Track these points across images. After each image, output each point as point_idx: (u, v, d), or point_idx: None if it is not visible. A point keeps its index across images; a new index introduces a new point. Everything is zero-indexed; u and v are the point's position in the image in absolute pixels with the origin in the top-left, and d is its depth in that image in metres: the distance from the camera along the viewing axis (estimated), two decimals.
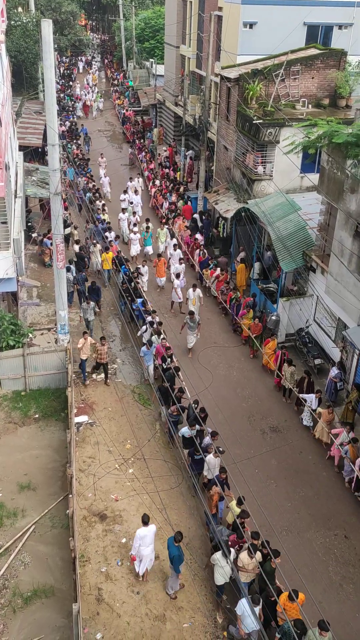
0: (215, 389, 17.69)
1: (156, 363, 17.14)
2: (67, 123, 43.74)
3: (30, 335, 17.19)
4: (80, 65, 70.14)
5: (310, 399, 15.76)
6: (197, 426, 14.05)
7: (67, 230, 24.36)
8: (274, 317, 19.17)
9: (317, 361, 17.93)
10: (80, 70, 68.67)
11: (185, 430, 14.14)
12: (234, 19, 24.87)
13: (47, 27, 14.08)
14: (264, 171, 22.72)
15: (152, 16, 51.55)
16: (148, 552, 11.59)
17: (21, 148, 26.96)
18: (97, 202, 28.35)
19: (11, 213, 17.23)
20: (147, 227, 25.49)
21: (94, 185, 30.70)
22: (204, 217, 27.17)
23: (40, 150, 31.80)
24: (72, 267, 21.42)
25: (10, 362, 16.19)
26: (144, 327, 18.31)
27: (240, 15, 24.35)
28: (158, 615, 11.12)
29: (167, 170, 34.31)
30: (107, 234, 24.33)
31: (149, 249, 25.63)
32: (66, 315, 17.45)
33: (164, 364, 16.62)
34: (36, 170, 27.74)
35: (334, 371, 16.53)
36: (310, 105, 23.76)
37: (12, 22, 37.23)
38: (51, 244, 22.37)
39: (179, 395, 15.18)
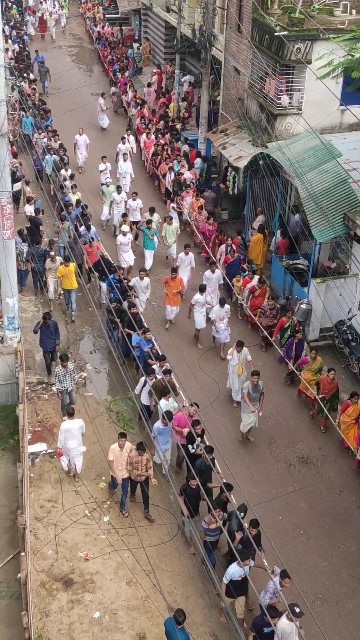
0: (222, 404, 17.71)
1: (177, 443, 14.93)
2: (16, 46, 41.20)
3: None
4: None
5: None
6: (251, 561, 12.02)
7: (17, 186, 24.29)
8: (303, 306, 19.19)
9: None
10: None
11: (235, 571, 11.90)
12: None
13: None
14: (289, 103, 22.69)
15: None
16: (75, 445, 14.64)
17: None
18: (62, 171, 25.51)
19: None
20: (149, 222, 21.95)
21: (61, 145, 27.77)
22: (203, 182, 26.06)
23: None
24: (25, 236, 21.34)
25: None
26: (142, 382, 16.06)
27: None
28: None
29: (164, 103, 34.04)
30: (90, 226, 21.83)
31: (149, 258, 22.22)
32: (16, 304, 17.40)
33: (190, 447, 14.59)
34: None
35: None
36: (354, 11, 23.68)
37: None
38: None
39: (223, 498, 13.35)
